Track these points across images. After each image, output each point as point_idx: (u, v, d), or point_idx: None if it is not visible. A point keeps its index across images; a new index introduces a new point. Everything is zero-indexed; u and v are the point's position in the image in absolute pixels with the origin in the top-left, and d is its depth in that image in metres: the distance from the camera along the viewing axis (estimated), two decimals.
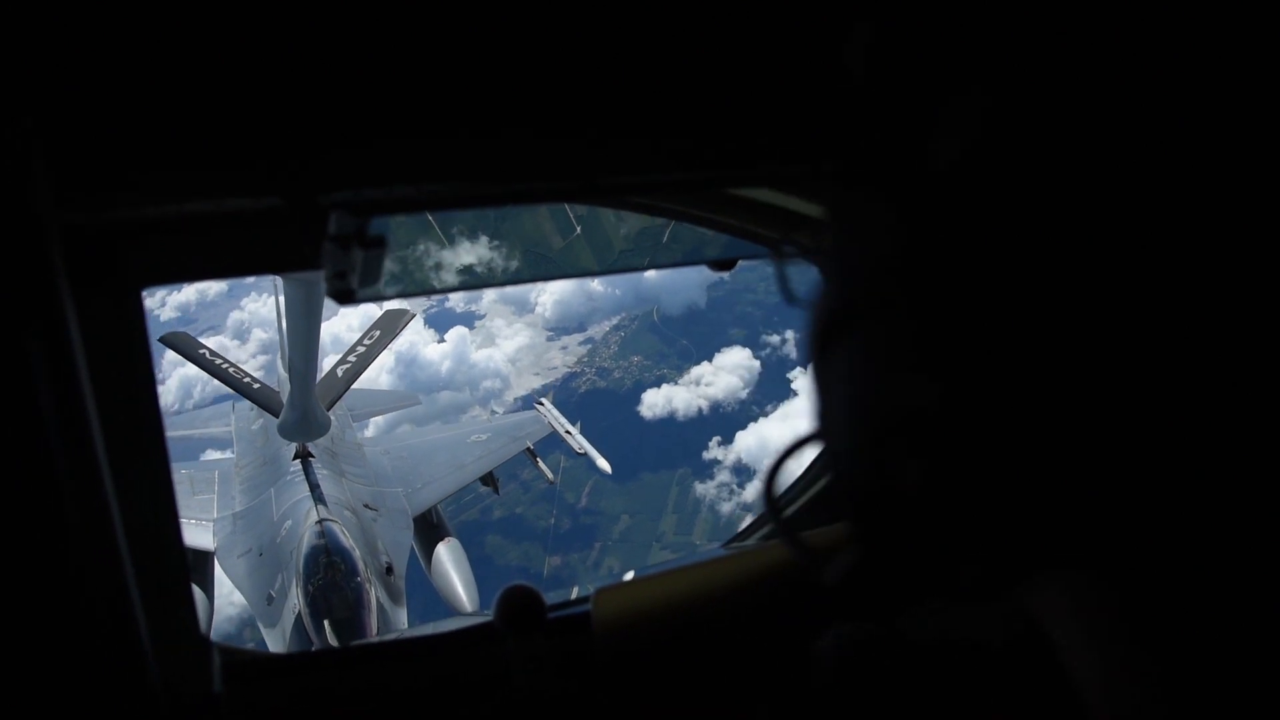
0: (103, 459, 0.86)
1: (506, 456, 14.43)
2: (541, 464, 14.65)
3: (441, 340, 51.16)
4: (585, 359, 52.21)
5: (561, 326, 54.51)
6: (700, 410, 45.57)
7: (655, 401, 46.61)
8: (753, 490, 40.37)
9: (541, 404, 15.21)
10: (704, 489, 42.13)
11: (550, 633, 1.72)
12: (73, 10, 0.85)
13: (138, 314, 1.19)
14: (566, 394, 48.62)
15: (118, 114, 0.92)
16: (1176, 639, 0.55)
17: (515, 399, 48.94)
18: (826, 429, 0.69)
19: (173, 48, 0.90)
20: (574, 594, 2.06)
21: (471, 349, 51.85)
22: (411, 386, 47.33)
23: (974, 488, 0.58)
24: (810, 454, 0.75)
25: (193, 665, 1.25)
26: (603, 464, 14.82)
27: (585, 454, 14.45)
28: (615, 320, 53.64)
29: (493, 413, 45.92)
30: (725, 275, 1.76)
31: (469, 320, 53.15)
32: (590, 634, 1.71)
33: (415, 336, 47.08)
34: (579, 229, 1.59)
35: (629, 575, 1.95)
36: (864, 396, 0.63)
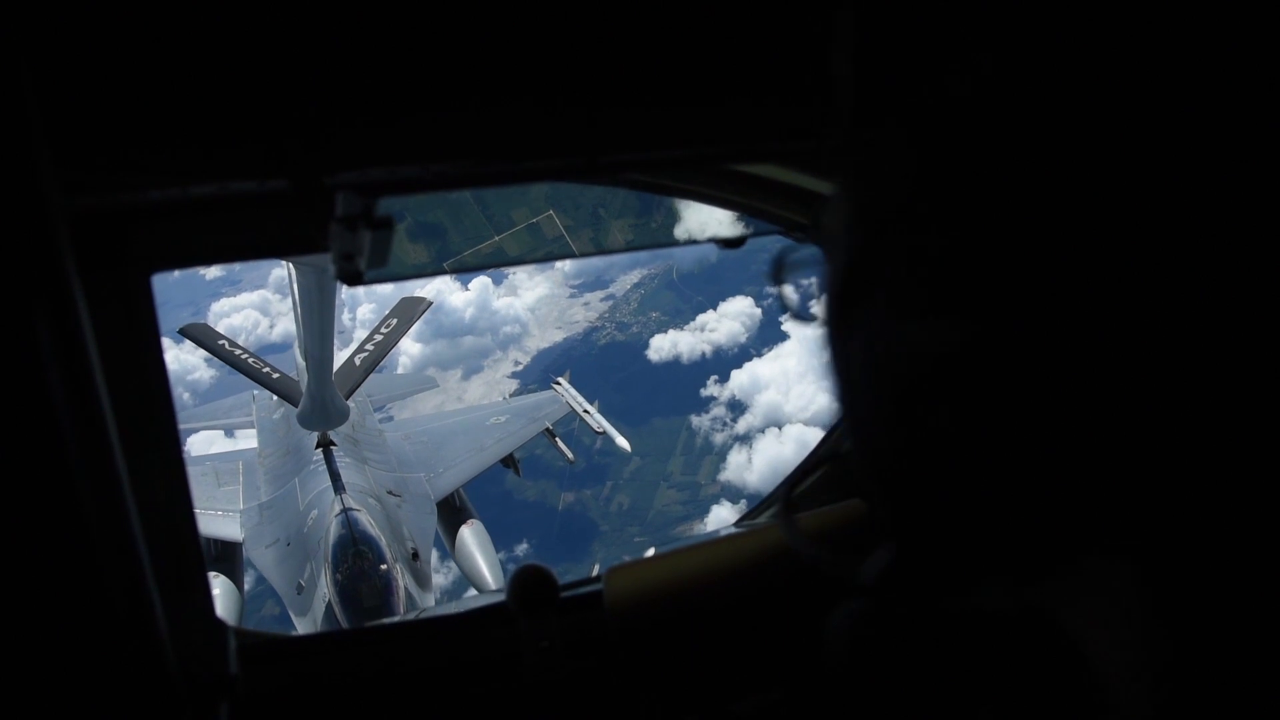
0: (115, 444, 0.86)
1: (526, 438, 14.49)
2: (560, 443, 14.70)
3: (465, 289, 54.18)
4: (607, 314, 54.76)
5: (584, 283, 57.14)
6: (704, 354, 48.94)
7: (661, 345, 50.02)
8: (744, 424, 43.84)
9: (559, 383, 15.24)
10: (699, 421, 45.55)
11: (563, 611, 1.73)
12: None
13: (147, 299, 1.20)
14: (587, 347, 51.95)
15: (122, 98, 0.92)
16: (1208, 635, 0.52)
17: (539, 349, 52.16)
18: (848, 401, 0.65)
19: (175, 32, 0.91)
20: (595, 572, 2.07)
21: (494, 298, 55.02)
22: (436, 332, 51.20)
23: (1012, 444, 0.55)
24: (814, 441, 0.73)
25: (208, 647, 1.26)
26: (622, 443, 14.85)
27: (604, 433, 14.48)
28: (637, 277, 56.11)
29: (515, 364, 49.43)
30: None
31: (496, 276, 55.85)
32: (602, 613, 1.72)
33: (441, 285, 50.12)
34: (585, 209, 1.59)
35: (650, 551, 1.95)
36: (889, 352, 0.59)
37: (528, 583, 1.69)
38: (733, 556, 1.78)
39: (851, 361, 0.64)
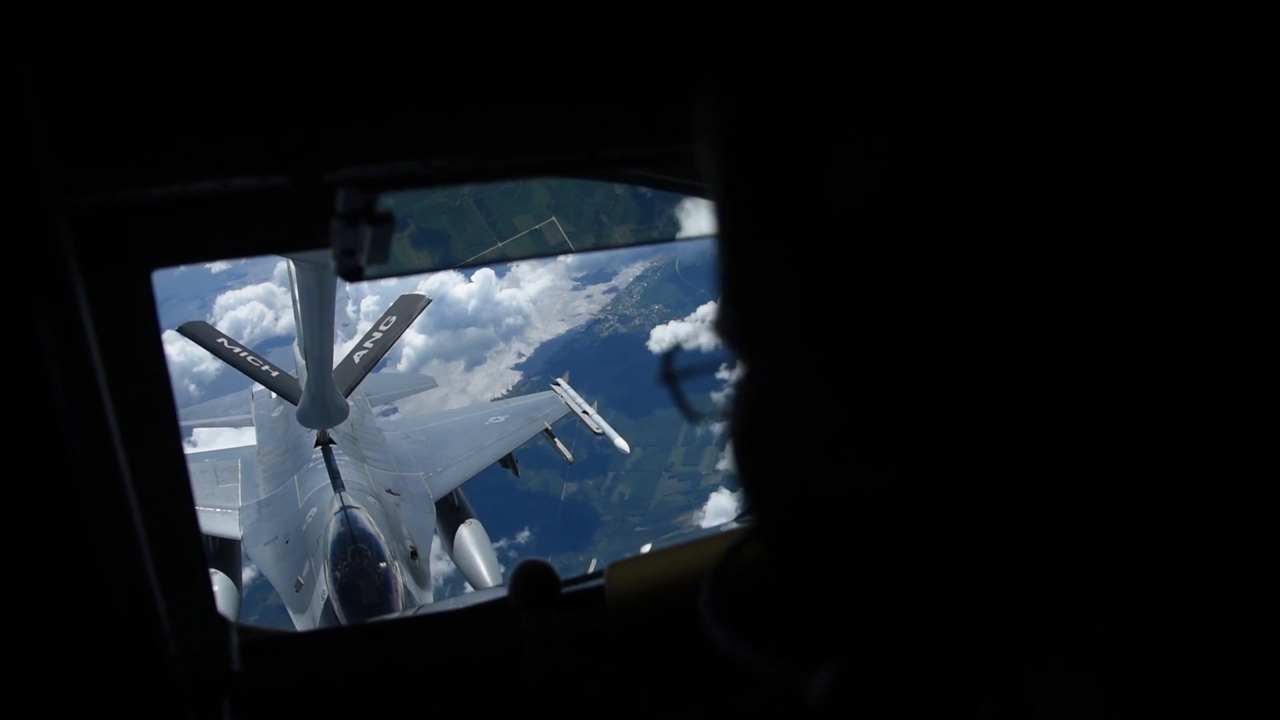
0: (117, 441, 0.87)
1: (525, 438, 14.49)
2: (559, 444, 14.71)
3: (468, 280, 54.81)
4: (609, 307, 55.36)
5: (586, 276, 57.69)
6: (705, 344, 49.23)
7: (663, 336, 50.37)
8: None
9: (558, 384, 15.25)
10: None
11: (564, 607, 1.73)
12: None
13: (148, 296, 1.19)
14: (590, 339, 52.69)
15: (123, 96, 0.92)
16: None
17: (541, 341, 53.22)
18: (761, 524, 0.61)
19: (175, 30, 0.91)
20: (592, 568, 2.08)
21: (496, 290, 55.81)
22: (440, 324, 51.78)
23: (927, 578, 0.52)
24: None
25: (211, 644, 1.26)
26: (620, 444, 14.84)
27: (602, 434, 14.50)
28: (640, 270, 56.63)
29: (519, 355, 50.53)
30: None
31: (499, 268, 56.97)
32: (604, 608, 1.72)
33: (443, 276, 51.15)
34: (587, 215, 1.58)
35: (646, 548, 1.95)
36: (793, 489, 0.55)
37: (529, 578, 1.69)
38: None
39: (760, 489, 0.60)
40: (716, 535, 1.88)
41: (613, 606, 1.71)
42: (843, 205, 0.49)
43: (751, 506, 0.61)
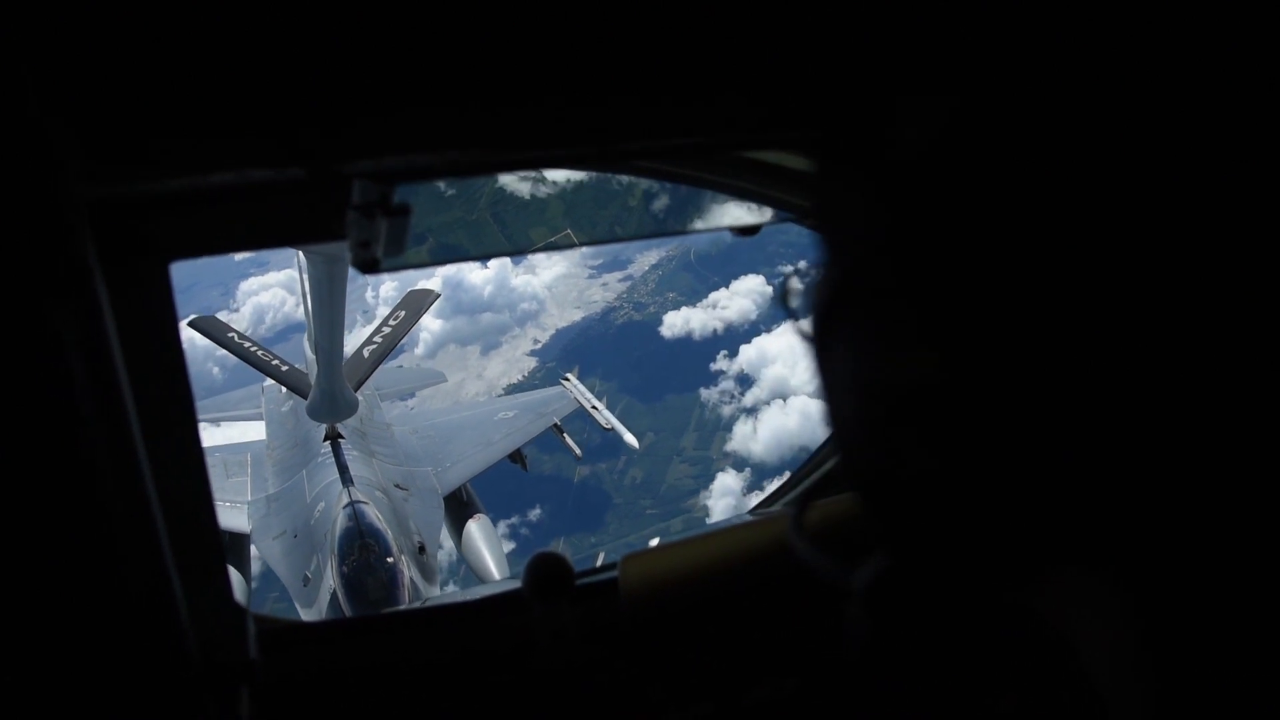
0: (136, 432, 0.87)
1: (534, 434, 14.51)
2: (569, 439, 14.73)
3: (484, 266, 55.83)
4: (625, 295, 56.30)
5: (602, 264, 59.16)
6: (715, 331, 51.13)
7: (675, 322, 52.11)
8: (751, 397, 45.37)
9: (568, 379, 15.27)
10: (708, 394, 47.65)
11: (577, 599, 1.73)
12: None
13: (165, 288, 1.20)
14: (605, 326, 53.77)
15: (140, 89, 0.92)
16: (1189, 639, 0.54)
17: (557, 328, 54.35)
18: (832, 414, 0.68)
19: (192, 22, 0.91)
20: (599, 561, 2.08)
21: (512, 276, 57.25)
22: (456, 309, 53.19)
23: (982, 468, 0.57)
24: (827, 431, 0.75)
25: (228, 633, 1.27)
26: (630, 439, 14.86)
27: (611, 429, 14.51)
28: (655, 258, 57.86)
29: (534, 341, 51.51)
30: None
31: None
32: (617, 601, 1.72)
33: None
34: (602, 226, 1.59)
35: (654, 541, 1.96)
36: (865, 377, 0.62)
37: (543, 570, 1.70)
38: (748, 545, 1.78)
39: (833, 377, 0.67)
40: (728, 529, 1.89)
41: (626, 599, 1.71)
42: (917, 153, 0.58)
43: (823, 395, 0.69)
